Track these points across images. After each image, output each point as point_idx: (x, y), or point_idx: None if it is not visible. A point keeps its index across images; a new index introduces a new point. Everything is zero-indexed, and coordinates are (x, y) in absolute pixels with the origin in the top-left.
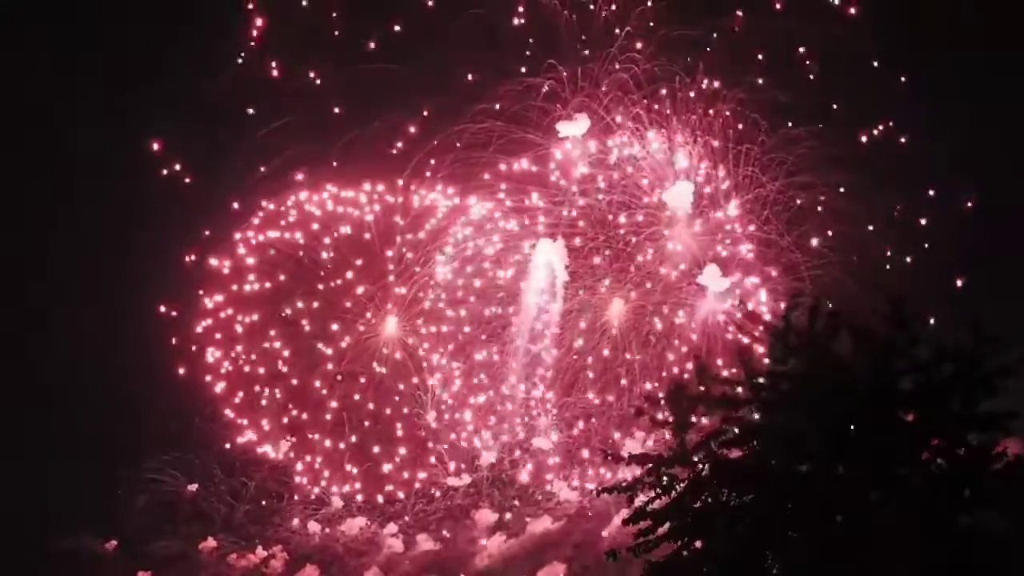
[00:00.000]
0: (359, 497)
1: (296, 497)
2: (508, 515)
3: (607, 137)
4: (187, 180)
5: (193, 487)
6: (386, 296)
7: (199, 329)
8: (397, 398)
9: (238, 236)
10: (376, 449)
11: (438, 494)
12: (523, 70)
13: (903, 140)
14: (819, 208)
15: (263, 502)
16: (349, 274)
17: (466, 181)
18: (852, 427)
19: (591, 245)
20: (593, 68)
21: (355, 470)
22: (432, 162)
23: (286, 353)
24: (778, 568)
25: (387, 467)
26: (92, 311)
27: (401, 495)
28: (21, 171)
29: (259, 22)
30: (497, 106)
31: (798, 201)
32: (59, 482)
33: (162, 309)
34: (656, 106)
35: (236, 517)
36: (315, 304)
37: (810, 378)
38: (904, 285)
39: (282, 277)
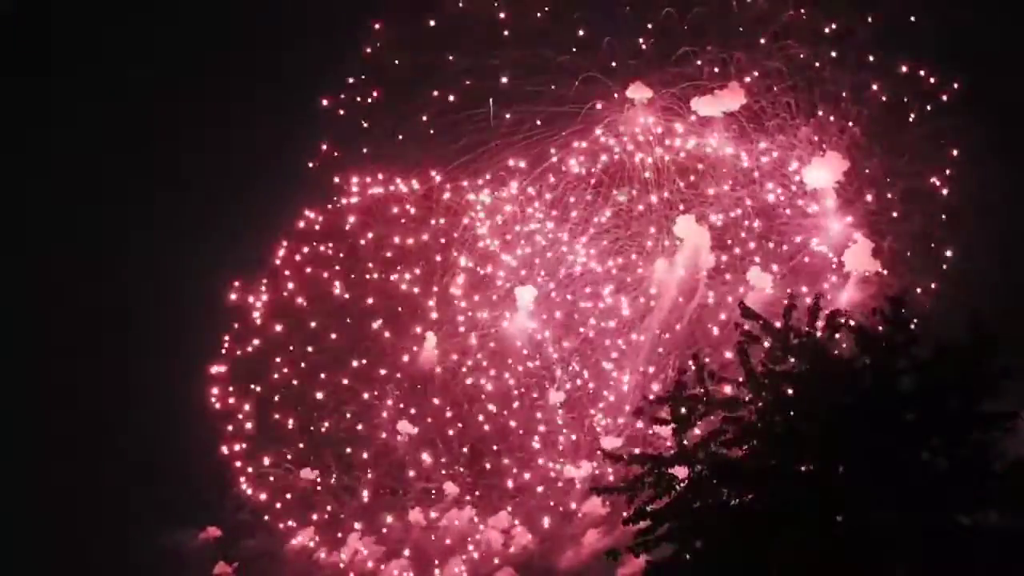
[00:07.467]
0: (469, 492)
1: (409, 492)
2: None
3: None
4: None
5: (306, 479)
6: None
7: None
8: (509, 377)
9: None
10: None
11: (552, 486)
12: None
13: None
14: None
15: (373, 495)
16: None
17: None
18: (852, 427)
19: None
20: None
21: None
22: None
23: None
24: (778, 568)
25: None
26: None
27: (511, 484)
28: None
29: None
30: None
31: (945, 192)
32: (167, 474)
33: None
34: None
35: (342, 512)
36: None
37: (810, 378)
38: None
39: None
